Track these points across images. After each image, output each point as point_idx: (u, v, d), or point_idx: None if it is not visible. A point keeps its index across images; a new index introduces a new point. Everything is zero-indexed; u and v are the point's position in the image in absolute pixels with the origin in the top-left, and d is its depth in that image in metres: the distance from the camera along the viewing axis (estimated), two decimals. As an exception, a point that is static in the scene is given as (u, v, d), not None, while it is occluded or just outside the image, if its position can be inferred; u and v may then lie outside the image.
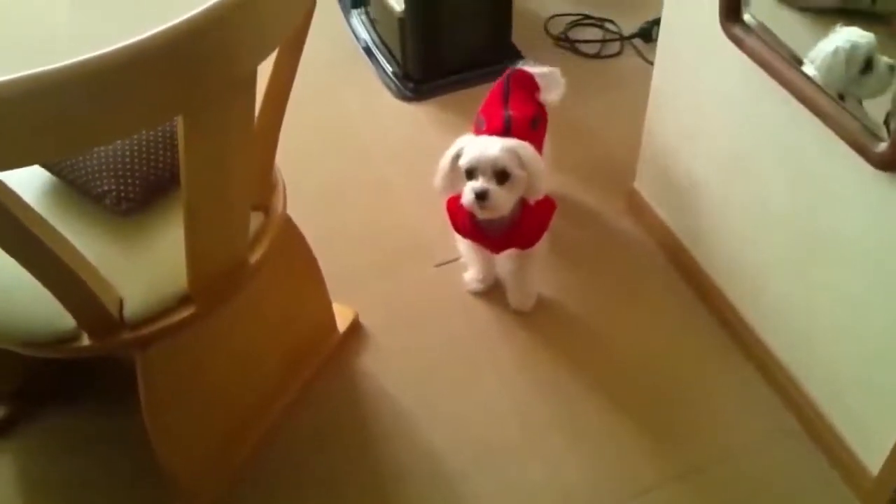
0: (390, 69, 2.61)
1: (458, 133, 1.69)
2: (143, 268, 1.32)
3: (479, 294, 1.95)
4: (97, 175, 1.37)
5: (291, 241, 1.61)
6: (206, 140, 1.07)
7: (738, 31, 1.50)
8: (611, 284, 1.98)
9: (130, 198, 1.37)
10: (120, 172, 1.37)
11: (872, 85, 1.31)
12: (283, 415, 1.71)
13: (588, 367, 1.80)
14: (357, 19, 2.83)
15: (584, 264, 2.02)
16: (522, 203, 1.70)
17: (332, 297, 1.79)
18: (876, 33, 1.30)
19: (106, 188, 1.37)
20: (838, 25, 1.32)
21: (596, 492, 1.59)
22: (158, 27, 0.87)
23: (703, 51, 1.65)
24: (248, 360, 1.62)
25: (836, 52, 1.32)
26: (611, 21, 2.78)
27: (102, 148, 1.38)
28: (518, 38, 2.62)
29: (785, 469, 1.61)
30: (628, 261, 2.03)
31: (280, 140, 1.38)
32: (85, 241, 1.26)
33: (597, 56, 2.69)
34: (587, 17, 2.81)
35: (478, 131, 1.78)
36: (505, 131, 1.72)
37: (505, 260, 1.90)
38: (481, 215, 1.67)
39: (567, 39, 2.73)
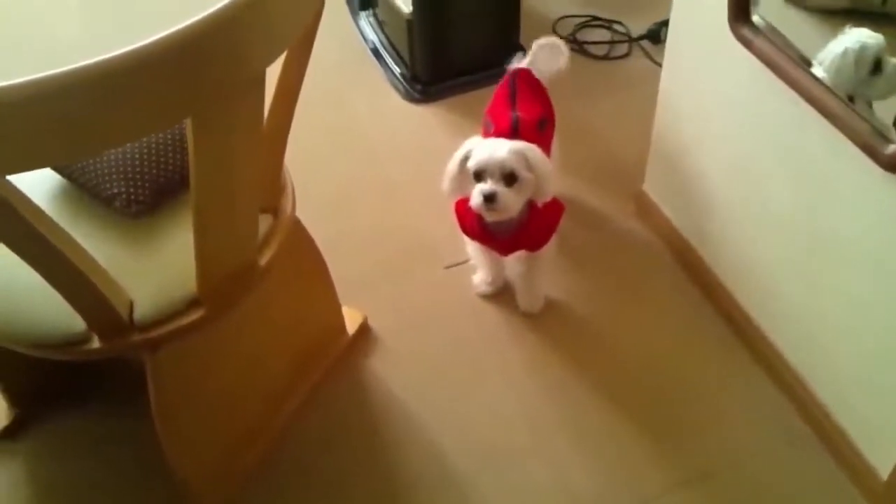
0: (398, 71, 2.62)
1: (466, 135, 1.69)
2: (153, 270, 1.32)
3: (487, 297, 1.95)
4: (107, 178, 1.37)
5: (300, 244, 1.61)
6: (215, 142, 1.07)
7: (746, 32, 1.50)
8: (619, 286, 1.97)
9: (140, 200, 1.38)
10: (130, 175, 1.37)
11: (882, 86, 1.30)
12: (292, 417, 1.71)
13: (596, 369, 1.80)
14: (365, 21, 2.83)
15: (593, 266, 2.02)
16: (530, 205, 1.70)
17: (340, 299, 1.79)
18: (885, 34, 1.29)
19: (116, 191, 1.37)
20: (847, 26, 1.32)
21: (603, 496, 1.58)
22: (167, 30, 0.88)
23: (712, 52, 1.65)
24: (257, 362, 1.62)
25: (845, 53, 1.32)
26: (619, 22, 2.78)
27: (112, 151, 1.38)
28: (526, 39, 2.61)
29: (793, 471, 1.61)
30: (636, 262, 2.03)
31: (289, 142, 1.38)
32: (95, 243, 1.27)
33: (605, 57, 2.69)
34: (595, 18, 2.81)
35: (486, 133, 1.78)
36: (512, 133, 1.72)
37: (514, 262, 1.90)
38: (489, 217, 1.67)
39: (575, 41, 2.73)
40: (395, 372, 1.81)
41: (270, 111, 1.27)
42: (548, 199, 1.69)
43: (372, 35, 2.78)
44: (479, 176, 1.62)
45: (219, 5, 0.91)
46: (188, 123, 1.02)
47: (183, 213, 1.39)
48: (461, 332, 1.89)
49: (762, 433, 1.67)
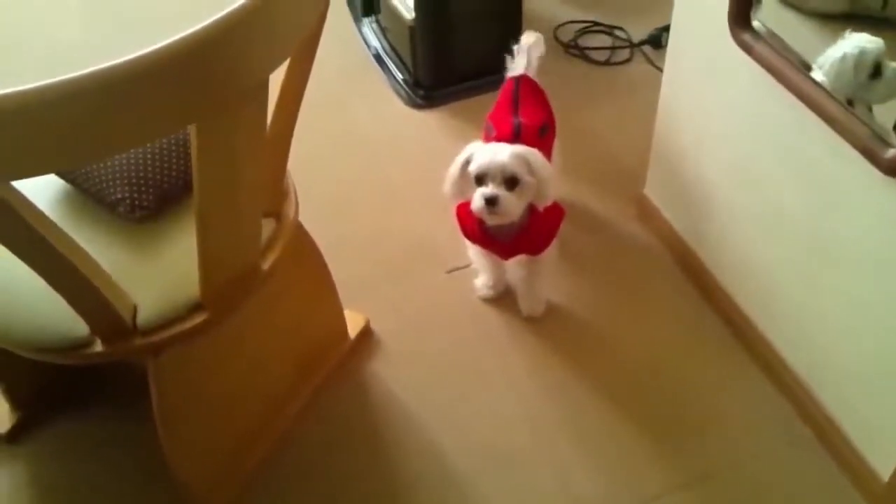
0: (401, 76, 2.62)
1: (468, 140, 1.70)
2: (156, 275, 1.33)
3: (489, 300, 1.96)
4: (111, 183, 1.38)
5: (303, 248, 1.61)
6: (218, 148, 1.07)
7: (747, 37, 1.51)
8: (620, 290, 1.98)
9: (144, 205, 1.38)
10: (133, 180, 1.38)
11: (881, 90, 1.31)
12: (295, 420, 1.71)
13: (597, 372, 1.80)
14: (368, 27, 2.84)
15: (594, 270, 2.03)
16: (531, 209, 1.71)
17: (343, 303, 1.79)
18: (885, 39, 1.30)
19: (120, 196, 1.38)
20: (847, 31, 1.32)
21: (603, 497, 1.59)
22: (170, 36, 0.88)
23: (713, 57, 1.65)
24: (260, 365, 1.62)
25: (844, 57, 1.32)
26: (620, 28, 2.79)
27: (116, 156, 1.39)
28: (528, 45, 2.63)
29: (793, 472, 1.61)
30: (637, 266, 2.03)
31: (292, 147, 1.38)
32: (98, 248, 1.27)
33: (606, 63, 2.69)
34: (597, 24, 2.82)
35: (487, 138, 1.78)
36: (514, 138, 1.72)
37: (515, 266, 1.90)
38: (490, 221, 1.68)
39: (577, 46, 2.74)
40: (397, 374, 1.81)
41: (274, 117, 1.28)
42: (549, 203, 1.69)
43: (374, 41, 2.79)
44: (480, 180, 1.63)
45: (223, 12, 0.92)
46: (192, 129, 1.02)
47: (186, 217, 1.40)
48: (462, 335, 1.89)
49: (762, 434, 1.67)
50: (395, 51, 2.70)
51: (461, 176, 1.67)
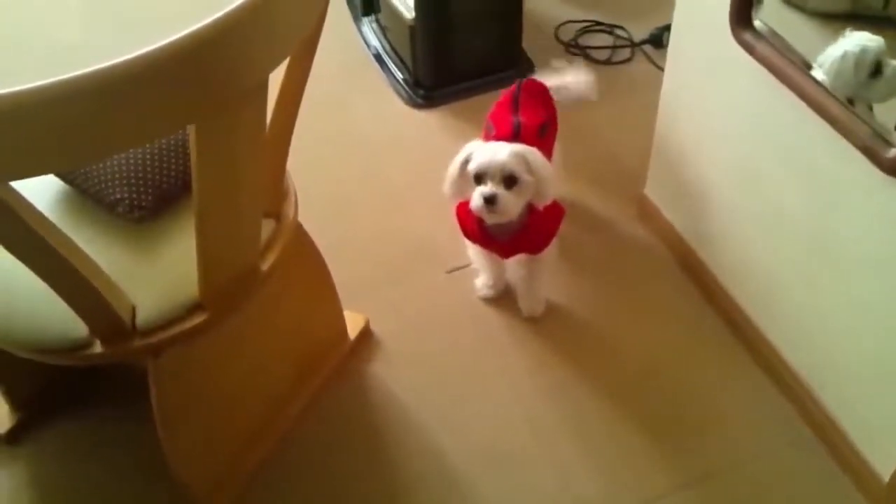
0: (401, 76, 2.62)
1: (468, 139, 1.70)
2: (156, 275, 1.32)
3: (489, 300, 1.96)
4: (110, 183, 1.38)
5: (303, 248, 1.61)
6: (217, 148, 1.07)
7: (748, 36, 1.50)
8: (621, 290, 1.98)
9: (143, 206, 1.38)
10: (133, 181, 1.38)
11: (882, 89, 1.30)
12: (295, 421, 1.71)
13: (598, 373, 1.80)
14: (368, 27, 2.84)
15: (594, 270, 2.03)
16: (530, 208, 1.71)
17: (342, 303, 1.79)
18: (886, 38, 1.30)
19: (119, 196, 1.38)
20: (847, 30, 1.32)
21: (604, 497, 1.58)
22: (169, 35, 0.88)
23: (714, 56, 1.65)
24: (260, 366, 1.62)
25: (844, 56, 1.32)
26: (621, 27, 2.79)
27: (115, 157, 1.39)
28: (528, 44, 2.63)
29: (794, 472, 1.61)
30: (638, 266, 2.03)
31: (291, 147, 1.38)
32: (98, 248, 1.27)
33: (607, 62, 2.69)
34: (598, 23, 2.81)
35: (487, 137, 1.78)
36: (514, 137, 1.72)
37: (515, 266, 1.90)
38: (489, 220, 1.68)
39: (577, 46, 2.74)
40: (397, 375, 1.81)
41: (273, 117, 1.28)
42: (548, 202, 1.69)
43: (374, 41, 2.79)
44: (479, 178, 1.63)
45: (221, 11, 0.91)
46: (191, 129, 1.02)
47: (185, 218, 1.40)
48: (463, 336, 1.89)
49: (763, 435, 1.67)
50: (395, 50, 2.69)
51: (460, 175, 1.67)
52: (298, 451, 1.68)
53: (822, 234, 1.50)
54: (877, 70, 1.29)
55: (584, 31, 2.79)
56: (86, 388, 1.78)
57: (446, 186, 1.70)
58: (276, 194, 1.43)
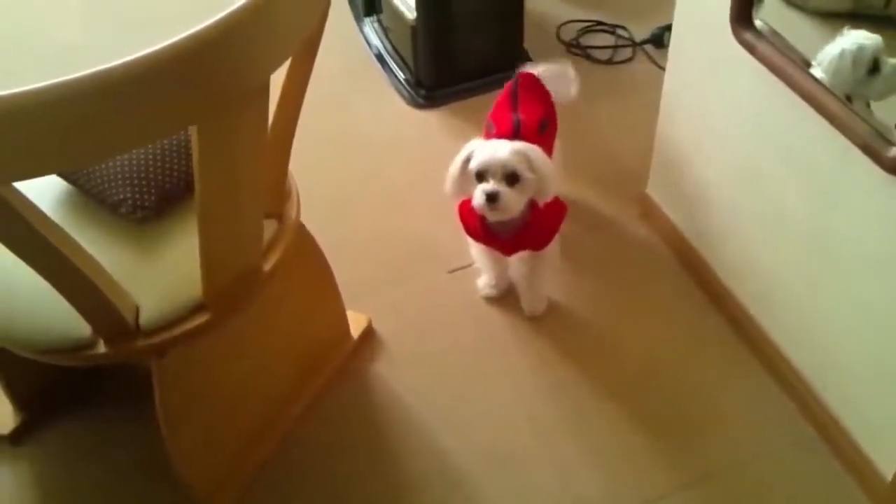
0: (402, 76, 2.62)
1: (469, 139, 1.70)
2: (159, 275, 1.33)
3: (492, 300, 1.96)
4: (113, 184, 1.38)
5: (305, 249, 1.61)
6: (219, 149, 1.07)
7: (749, 36, 1.50)
8: (623, 289, 1.98)
9: (146, 206, 1.38)
10: (135, 181, 1.38)
11: (879, 86, 1.31)
12: (297, 421, 1.72)
13: (600, 372, 1.80)
14: (369, 27, 2.84)
15: (596, 269, 2.03)
16: (532, 205, 1.71)
17: (345, 303, 1.79)
18: (887, 37, 1.30)
19: (121, 197, 1.38)
20: (846, 28, 1.32)
21: (606, 497, 1.58)
22: (171, 39, 0.88)
23: (715, 56, 1.65)
24: (262, 366, 1.62)
25: (842, 53, 1.32)
26: (622, 27, 2.79)
27: (118, 157, 1.39)
28: (530, 44, 2.63)
29: (796, 472, 1.61)
30: (640, 265, 2.03)
31: (293, 147, 1.38)
32: (101, 249, 1.27)
33: (609, 62, 2.69)
34: (599, 23, 2.81)
35: (487, 135, 1.79)
36: (514, 134, 1.72)
37: (517, 263, 1.90)
38: (491, 217, 1.68)
39: (579, 45, 2.74)
40: (399, 375, 1.81)
41: (275, 117, 1.28)
42: (549, 199, 1.69)
43: (376, 41, 2.79)
44: (481, 176, 1.63)
45: (223, 12, 0.92)
46: (193, 130, 1.02)
47: (188, 218, 1.40)
48: (465, 335, 1.89)
49: (765, 434, 1.67)
50: (396, 51, 2.69)
51: (462, 173, 1.67)
52: (300, 451, 1.68)
53: (822, 233, 1.50)
54: (875, 67, 1.29)
55: (586, 30, 2.79)
56: (88, 388, 1.78)
57: (448, 185, 1.70)
58: (278, 195, 1.43)
